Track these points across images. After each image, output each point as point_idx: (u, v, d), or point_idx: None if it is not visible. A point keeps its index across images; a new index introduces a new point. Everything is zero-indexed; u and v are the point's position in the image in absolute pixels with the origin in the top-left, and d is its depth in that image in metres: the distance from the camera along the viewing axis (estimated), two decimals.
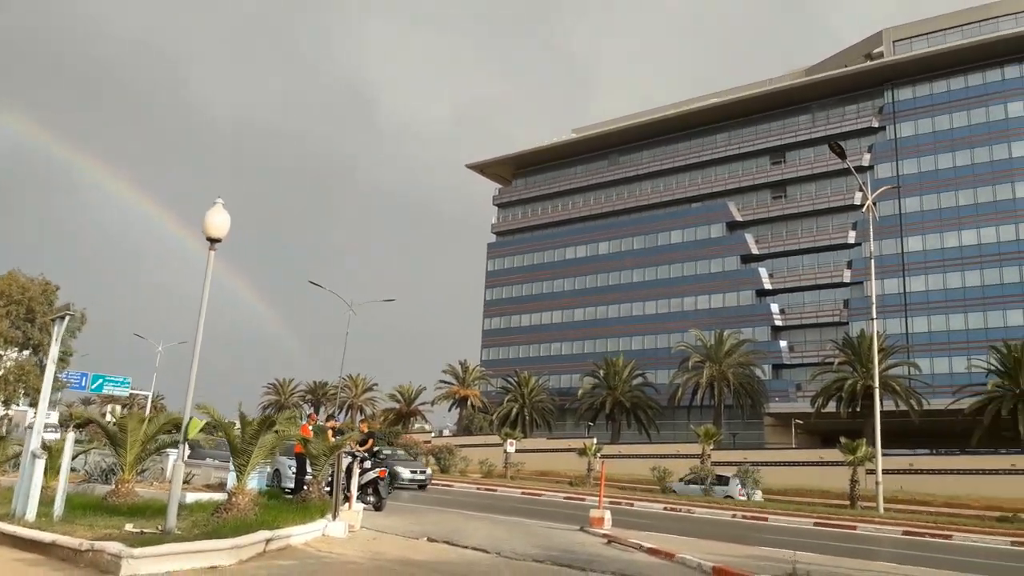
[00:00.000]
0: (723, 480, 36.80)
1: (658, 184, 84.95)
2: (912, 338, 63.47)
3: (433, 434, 78.21)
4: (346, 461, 15.18)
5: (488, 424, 70.50)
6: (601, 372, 65.77)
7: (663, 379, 66.15)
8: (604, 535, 15.11)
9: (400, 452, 36.65)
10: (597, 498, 17.79)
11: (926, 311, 64.97)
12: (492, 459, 48.51)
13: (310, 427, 16.76)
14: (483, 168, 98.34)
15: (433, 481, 33.01)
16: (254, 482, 14.39)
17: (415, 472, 31.20)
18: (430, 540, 12.88)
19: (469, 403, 76.03)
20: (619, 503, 27.54)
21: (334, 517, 12.73)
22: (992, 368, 46.67)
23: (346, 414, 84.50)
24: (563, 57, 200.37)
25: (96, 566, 8.31)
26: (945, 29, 70.56)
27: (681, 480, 38.80)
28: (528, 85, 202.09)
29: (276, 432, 12.49)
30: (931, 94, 69.29)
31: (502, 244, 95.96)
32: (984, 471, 43.18)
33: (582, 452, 43.88)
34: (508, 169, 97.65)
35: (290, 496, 16.25)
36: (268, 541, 10.06)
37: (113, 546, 8.30)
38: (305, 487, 15.45)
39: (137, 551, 8.18)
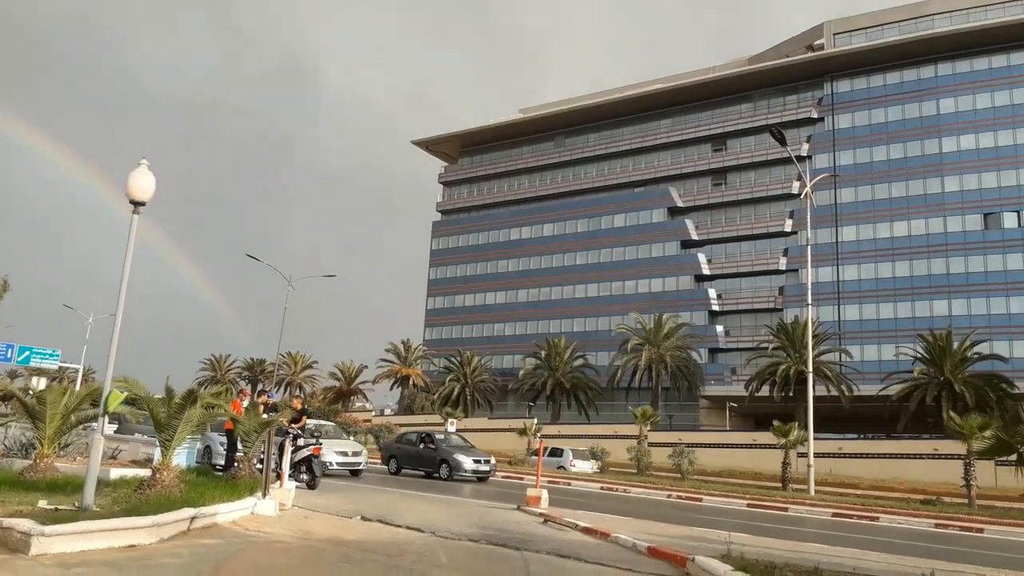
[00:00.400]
0: (557, 452, 39.68)
1: (602, 167, 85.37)
2: (844, 325, 65.25)
3: (374, 413, 77.68)
4: (279, 438, 14.80)
5: (430, 403, 70.25)
6: (543, 353, 66.12)
7: (603, 361, 66.72)
8: (540, 514, 15.04)
9: (455, 437, 29.76)
10: (535, 477, 17.73)
11: (858, 299, 66.84)
12: None
13: (242, 403, 16.32)
14: (429, 145, 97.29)
15: (370, 460, 26.80)
16: (181, 458, 13.92)
17: (479, 462, 26.29)
18: (364, 519, 12.61)
19: (411, 382, 75.70)
20: (557, 482, 27.61)
21: (264, 495, 12.36)
22: (918, 356, 48.26)
23: (285, 391, 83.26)
24: (513, 37, 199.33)
25: (5, 544, 7.83)
26: (883, 24, 72.31)
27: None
28: (476, 64, 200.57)
29: (203, 407, 12.05)
30: (868, 87, 71.00)
31: (447, 223, 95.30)
32: (909, 455, 44.73)
33: (522, 432, 44.06)
34: (454, 147, 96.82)
35: (220, 473, 15.81)
36: (192, 519, 9.66)
37: (23, 523, 7.82)
38: (236, 464, 15.03)
39: (48, 529, 7.73)
